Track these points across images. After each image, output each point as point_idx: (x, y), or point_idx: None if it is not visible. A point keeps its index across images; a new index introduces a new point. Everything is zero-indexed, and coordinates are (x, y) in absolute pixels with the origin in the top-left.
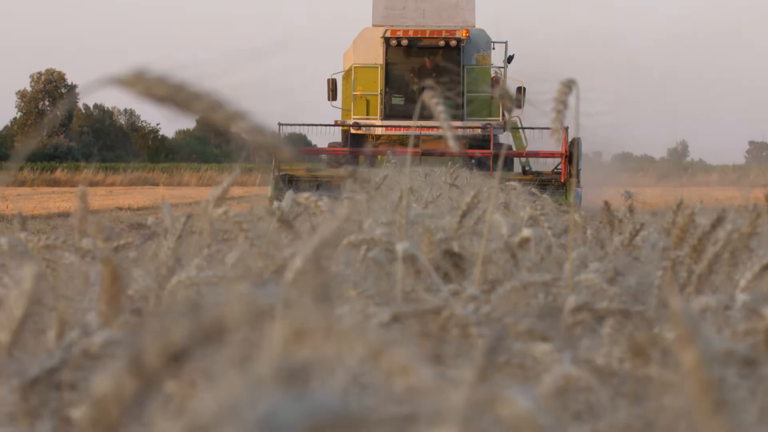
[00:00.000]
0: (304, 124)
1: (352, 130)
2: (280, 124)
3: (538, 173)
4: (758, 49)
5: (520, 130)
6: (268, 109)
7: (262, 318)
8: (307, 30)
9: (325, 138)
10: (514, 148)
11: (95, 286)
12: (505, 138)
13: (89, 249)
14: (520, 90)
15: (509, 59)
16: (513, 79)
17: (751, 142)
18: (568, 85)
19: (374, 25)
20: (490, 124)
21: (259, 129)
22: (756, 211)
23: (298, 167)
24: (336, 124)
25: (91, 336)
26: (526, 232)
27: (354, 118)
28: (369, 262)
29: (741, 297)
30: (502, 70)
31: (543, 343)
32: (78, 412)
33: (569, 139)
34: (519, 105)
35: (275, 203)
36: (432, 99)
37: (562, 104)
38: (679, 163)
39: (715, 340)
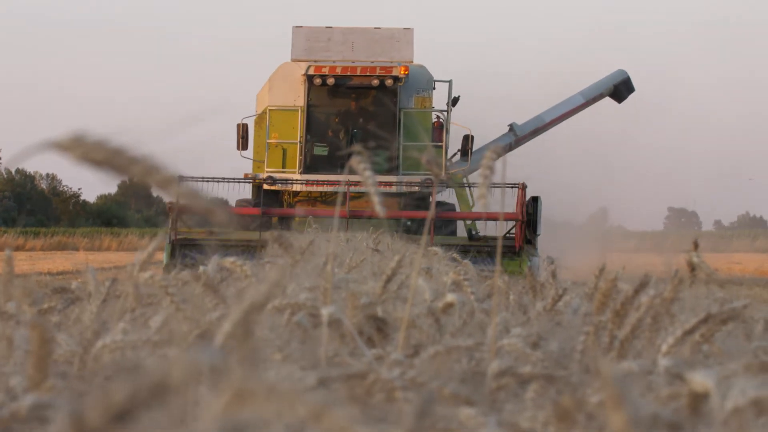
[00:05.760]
0: (206, 179)
1: (266, 186)
2: (181, 177)
3: (487, 238)
4: (676, 113)
5: (466, 188)
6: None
7: (203, 379)
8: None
9: (234, 195)
10: (458, 209)
11: (20, 350)
12: (449, 197)
13: (13, 313)
14: (468, 139)
15: (454, 101)
16: (459, 125)
17: (670, 208)
18: (496, 152)
19: (293, 60)
20: (430, 179)
21: (194, 193)
22: (678, 276)
23: (198, 230)
24: (246, 178)
25: (19, 399)
26: (450, 297)
27: (267, 171)
28: (293, 326)
29: (663, 362)
30: (445, 114)
31: (468, 407)
32: None
33: (526, 198)
34: (465, 158)
35: (201, 268)
36: (360, 165)
37: (489, 170)
38: (599, 229)
39: (641, 404)
